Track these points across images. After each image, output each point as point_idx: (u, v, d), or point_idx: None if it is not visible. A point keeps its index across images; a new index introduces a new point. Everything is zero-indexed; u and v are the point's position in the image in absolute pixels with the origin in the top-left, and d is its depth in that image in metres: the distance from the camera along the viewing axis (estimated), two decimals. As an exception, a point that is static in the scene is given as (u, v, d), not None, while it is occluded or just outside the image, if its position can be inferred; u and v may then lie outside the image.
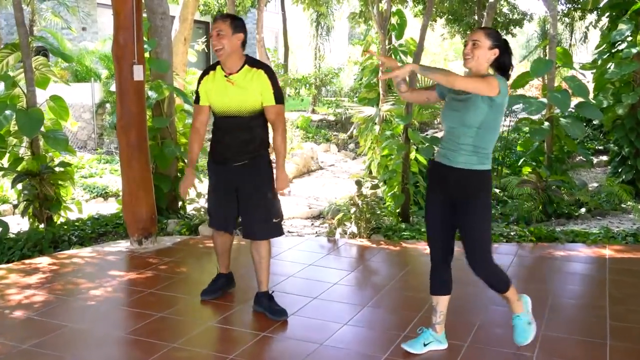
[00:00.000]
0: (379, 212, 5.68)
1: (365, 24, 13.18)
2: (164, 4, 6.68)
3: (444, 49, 27.04)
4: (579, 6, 16.83)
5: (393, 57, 11.38)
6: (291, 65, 24.14)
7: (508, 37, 19.67)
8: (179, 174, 7.11)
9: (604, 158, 13.08)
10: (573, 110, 9.00)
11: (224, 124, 3.71)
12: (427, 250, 3.36)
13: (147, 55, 6.70)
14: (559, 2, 17.52)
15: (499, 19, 18.13)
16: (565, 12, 18.02)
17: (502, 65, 3.16)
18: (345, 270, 4.78)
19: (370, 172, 10.96)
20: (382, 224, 6.10)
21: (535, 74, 8.55)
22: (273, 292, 3.93)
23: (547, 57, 9.30)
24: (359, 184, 5.96)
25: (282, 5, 16.93)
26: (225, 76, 3.60)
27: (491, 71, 3.18)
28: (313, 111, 18.73)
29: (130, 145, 5.18)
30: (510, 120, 12.32)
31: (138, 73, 5.08)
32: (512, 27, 18.76)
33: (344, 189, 10.38)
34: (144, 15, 6.76)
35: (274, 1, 22.40)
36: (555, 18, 8.81)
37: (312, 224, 8.09)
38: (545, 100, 8.62)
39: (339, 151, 14.41)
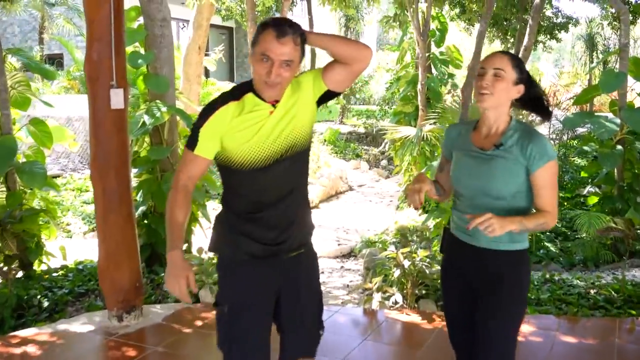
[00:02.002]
0: (429, 273, 4.40)
1: (400, 28, 11.92)
2: (164, 8, 5.48)
3: (479, 54, 25.52)
4: (631, 9, 15.34)
5: (432, 66, 10.11)
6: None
7: (552, 43, 18.26)
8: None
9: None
10: None
11: (266, 180, 2.30)
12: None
13: (141, 71, 5.57)
14: (608, 6, 16.07)
15: (542, 22, 16.71)
16: (615, 15, 16.55)
17: (534, 101, 2.44)
18: (390, 370, 3.53)
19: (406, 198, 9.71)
20: (432, 281, 4.85)
21: (605, 89, 7.18)
22: None
23: (614, 68, 8.03)
24: (404, 237, 4.70)
25: (308, 9, 15.69)
26: (272, 105, 2.28)
27: (511, 114, 2.41)
28: (341, 122, 17.49)
29: (107, 194, 3.98)
30: (566, 136, 10.99)
31: (117, 99, 3.88)
32: (556, 32, 17.32)
33: (378, 217, 9.13)
34: (141, 22, 5.61)
35: (301, 4, 21.17)
36: (627, 22, 7.45)
37: (342, 267, 6.87)
38: (617, 120, 7.29)
39: (370, 169, 13.13)
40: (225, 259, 2.41)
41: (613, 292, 4.96)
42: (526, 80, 2.35)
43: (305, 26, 2.35)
